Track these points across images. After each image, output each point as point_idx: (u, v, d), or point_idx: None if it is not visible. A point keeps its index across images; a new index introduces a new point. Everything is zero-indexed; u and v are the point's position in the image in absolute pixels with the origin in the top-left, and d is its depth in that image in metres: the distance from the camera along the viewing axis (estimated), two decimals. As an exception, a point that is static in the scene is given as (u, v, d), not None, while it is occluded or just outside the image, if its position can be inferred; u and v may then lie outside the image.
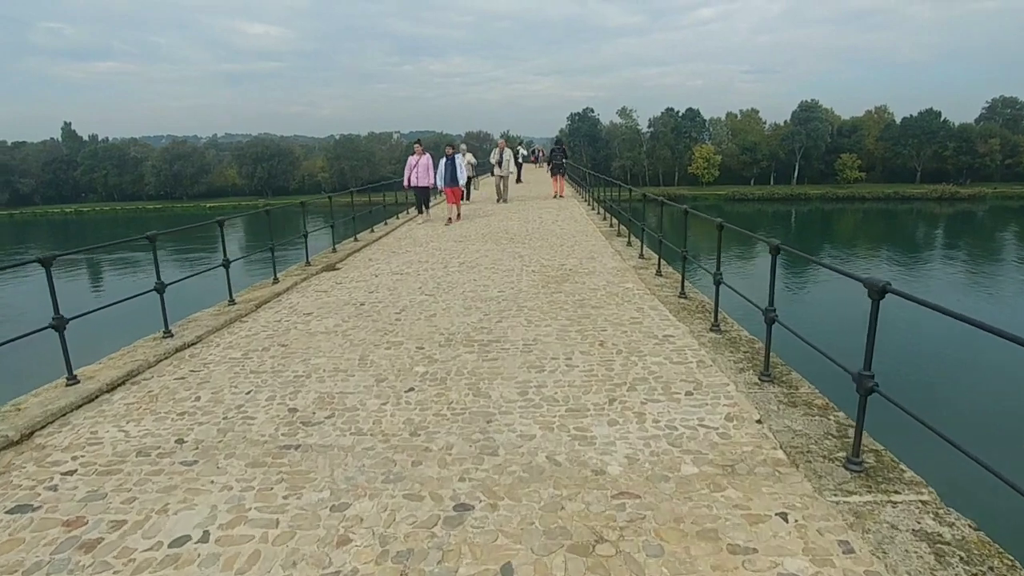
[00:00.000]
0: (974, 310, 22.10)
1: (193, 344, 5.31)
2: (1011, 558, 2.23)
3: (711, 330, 5.06)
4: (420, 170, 13.07)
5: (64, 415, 3.86)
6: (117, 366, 4.65)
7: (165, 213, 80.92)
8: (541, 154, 38.26)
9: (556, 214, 14.79)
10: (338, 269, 8.85)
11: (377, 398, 3.98)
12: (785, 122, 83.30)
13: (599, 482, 2.84)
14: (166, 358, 4.95)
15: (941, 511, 2.52)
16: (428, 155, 13.13)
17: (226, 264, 6.49)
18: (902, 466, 2.87)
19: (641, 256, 8.58)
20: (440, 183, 13.20)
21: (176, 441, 3.46)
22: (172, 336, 5.39)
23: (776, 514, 2.54)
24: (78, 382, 4.27)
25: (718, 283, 4.94)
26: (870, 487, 2.69)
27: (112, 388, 4.30)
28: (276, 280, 7.73)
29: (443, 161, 13.19)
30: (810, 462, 2.91)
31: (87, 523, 2.67)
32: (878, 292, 2.63)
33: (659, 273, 7.36)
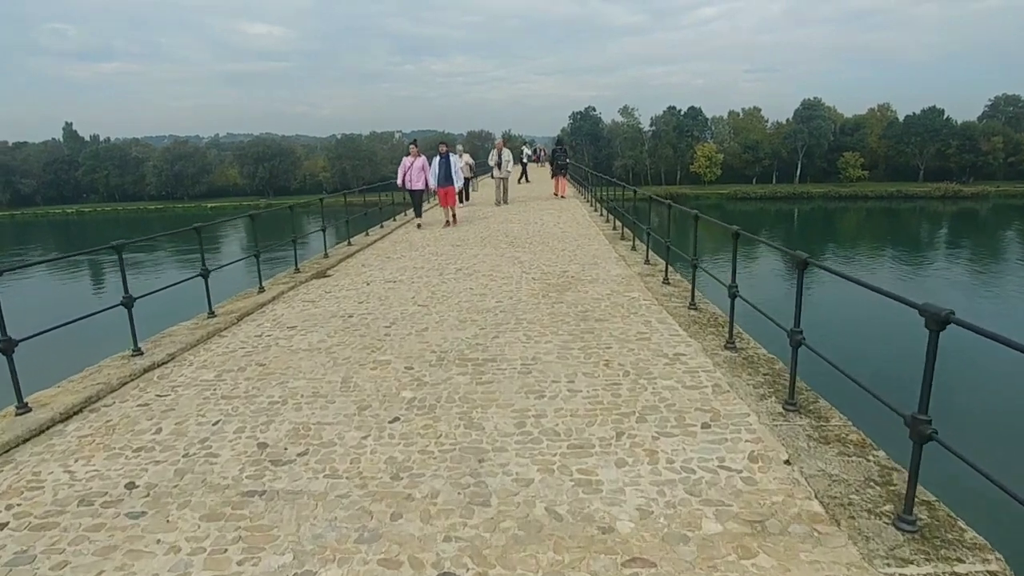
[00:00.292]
0: (977, 310, 21.85)
1: (164, 363, 4.90)
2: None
3: (726, 347, 4.64)
4: (414, 172, 12.56)
5: (7, 451, 3.45)
6: (76, 390, 4.25)
7: (166, 213, 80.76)
8: (543, 153, 37.86)
9: (558, 216, 14.37)
10: (329, 276, 8.44)
11: (358, 430, 3.57)
12: (787, 120, 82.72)
13: (607, 543, 2.43)
14: (132, 380, 4.54)
15: (1018, 587, 2.11)
16: (423, 157, 12.64)
17: (204, 274, 6.08)
18: (961, 523, 2.46)
19: (647, 262, 8.16)
20: (433, 183, 12.61)
21: (126, 485, 3.05)
22: (142, 354, 4.99)
23: (820, 590, 2.13)
24: (29, 411, 3.87)
25: (733, 296, 4.53)
26: (928, 553, 2.28)
27: (67, 417, 3.90)
28: (261, 289, 7.33)
29: (436, 160, 12.56)
30: (853, 518, 2.50)
31: (3, 598, 2.27)
32: (939, 323, 2.21)
33: (666, 281, 6.94)
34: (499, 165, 16.60)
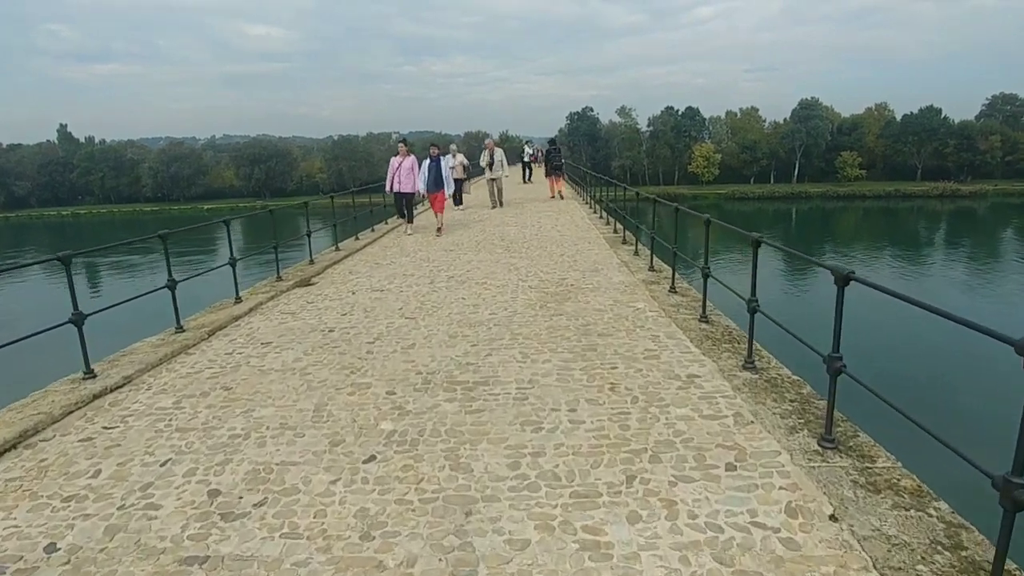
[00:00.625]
0: (978, 310, 21.55)
1: (118, 387, 4.40)
2: None
3: (744, 368, 4.17)
4: (403, 173, 11.63)
5: (-86, 502, 2.95)
6: (14, 421, 3.75)
7: (162, 215, 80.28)
8: (540, 153, 37.39)
9: (556, 218, 13.89)
10: (313, 284, 7.94)
11: (327, 472, 3.08)
12: (785, 120, 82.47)
13: (622, 637, 1.95)
14: (78, 408, 4.04)
15: None
16: (413, 157, 11.75)
17: (171, 285, 5.58)
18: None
19: (651, 268, 7.68)
20: (423, 187, 11.74)
21: (45, 548, 2.56)
22: (95, 377, 4.49)
23: None
24: (-48, 448, 3.37)
25: (753, 311, 4.05)
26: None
27: (-4, 455, 3.40)
28: (238, 299, 6.83)
29: (426, 162, 11.74)
30: (926, 600, 2.02)
31: None
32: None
33: (673, 289, 6.47)
34: (490, 166, 15.87)
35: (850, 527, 2.43)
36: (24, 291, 26.46)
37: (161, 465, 3.22)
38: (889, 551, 2.27)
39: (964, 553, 2.24)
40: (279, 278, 8.00)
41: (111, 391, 4.33)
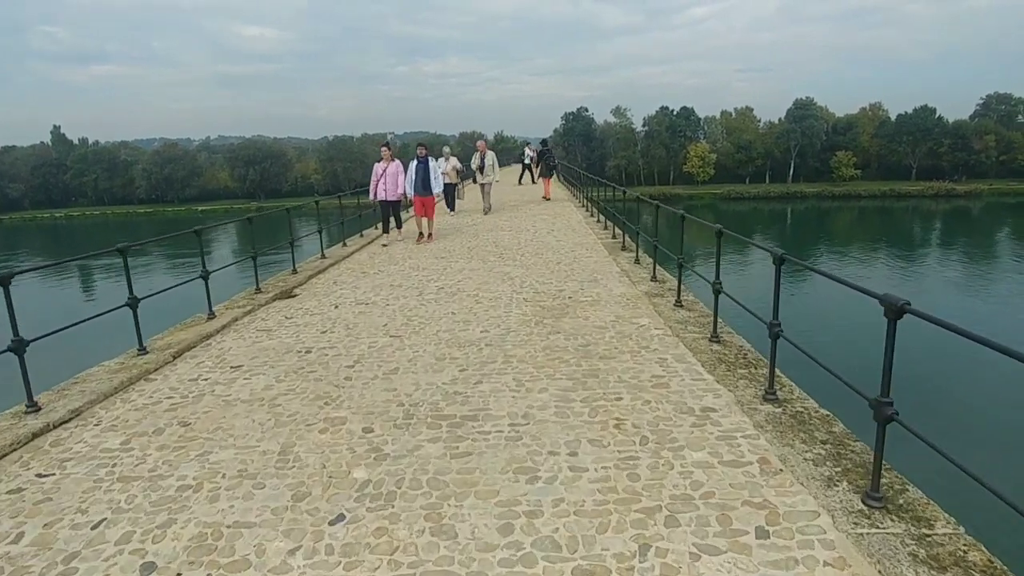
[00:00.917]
0: (977, 309, 21.22)
1: (63, 423, 3.92)
2: None
3: (765, 399, 3.72)
4: (388, 179, 10.72)
5: None
6: (-67, 469, 3.27)
7: (156, 217, 79.73)
8: (534, 155, 36.95)
9: (551, 222, 13.43)
10: (294, 296, 7.46)
11: (286, 538, 2.62)
12: (780, 120, 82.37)
13: None
14: (14, 450, 3.56)
15: None
16: (398, 162, 10.89)
17: (132, 303, 5.09)
18: None
19: (654, 278, 7.23)
20: (409, 190, 10.84)
21: (-70, 649, 2.09)
22: (38, 410, 4.01)
23: None
24: None
25: (776, 336, 3.61)
26: None
27: (-99, 515, 2.91)
28: (211, 315, 6.34)
29: (413, 164, 10.82)
30: None
31: None
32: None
33: (679, 303, 6.02)
34: (481, 169, 15.13)
35: (918, 623, 1.99)
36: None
37: (93, 528, 2.75)
38: (972, 660, 1.82)
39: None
40: (258, 290, 7.51)
41: (54, 427, 3.85)
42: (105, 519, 2.82)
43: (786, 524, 2.54)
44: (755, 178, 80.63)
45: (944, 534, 2.40)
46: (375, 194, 10.85)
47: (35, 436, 3.72)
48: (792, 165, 79.69)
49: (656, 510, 2.68)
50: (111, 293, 26.42)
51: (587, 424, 3.55)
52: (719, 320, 5.09)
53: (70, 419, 3.98)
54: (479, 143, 15.78)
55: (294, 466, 3.23)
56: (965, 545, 2.34)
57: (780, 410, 3.59)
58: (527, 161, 26.87)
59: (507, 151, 71.69)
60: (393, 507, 2.81)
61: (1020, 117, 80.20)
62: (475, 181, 15.83)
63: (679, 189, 76.53)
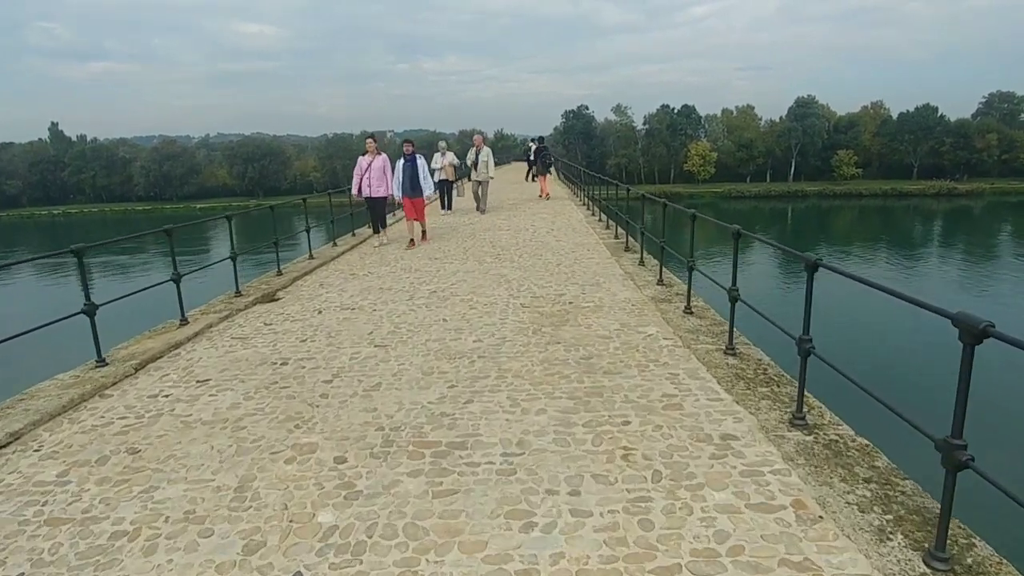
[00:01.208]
0: (979, 310, 20.68)
1: (0, 448, 3.47)
2: None
3: (793, 424, 3.27)
4: (373, 175, 9.87)
5: None
6: None
7: (154, 214, 79.43)
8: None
9: (551, 221, 12.98)
10: (277, 300, 7.01)
11: (229, 604, 2.17)
12: (781, 118, 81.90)
13: None
14: (-67, 484, 3.10)
15: None
16: (384, 156, 10.09)
17: (90, 309, 4.63)
18: None
19: (660, 282, 6.77)
20: (396, 192, 10.04)
21: None
22: (-29, 434, 3.55)
23: None
24: None
25: (807, 354, 3.16)
26: None
27: None
28: (184, 321, 5.88)
29: (400, 163, 9.96)
30: None
31: None
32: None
33: (689, 309, 5.57)
34: (475, 166, 14.13)
35: None
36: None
37: (0, 589, 2.30)
38: None
39: None
40: (238, 293, 7.05)
41: (-15, 455, 3.39)
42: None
43: (835, 592, 2.10)
44: (756, 177, 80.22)
45: (1033, 610, 1.96)
46: (359, 190, 10.07)
47: (-38, 466, 3.27)
48: (793, 164, 79.27)
49: (675, 571, 2.23)
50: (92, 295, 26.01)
51: (591, 454, 3.10)
52: (723, 323, 4.64)
53: (8, 444, 3.53)
54: (476, 138, 14.70)
55: (251, 506, 2.78)
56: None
57: (811, 438, 3.14)
58: (532, 158, 26.45)
59: (507, 149, 71.23)
60: (361, 563, 2.36)
61: (1022, 116, 79.72)
62: (470, 179, 14.94)
63: (680, 187, 76.08)
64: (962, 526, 2.38)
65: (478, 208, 14.56)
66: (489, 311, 5.97)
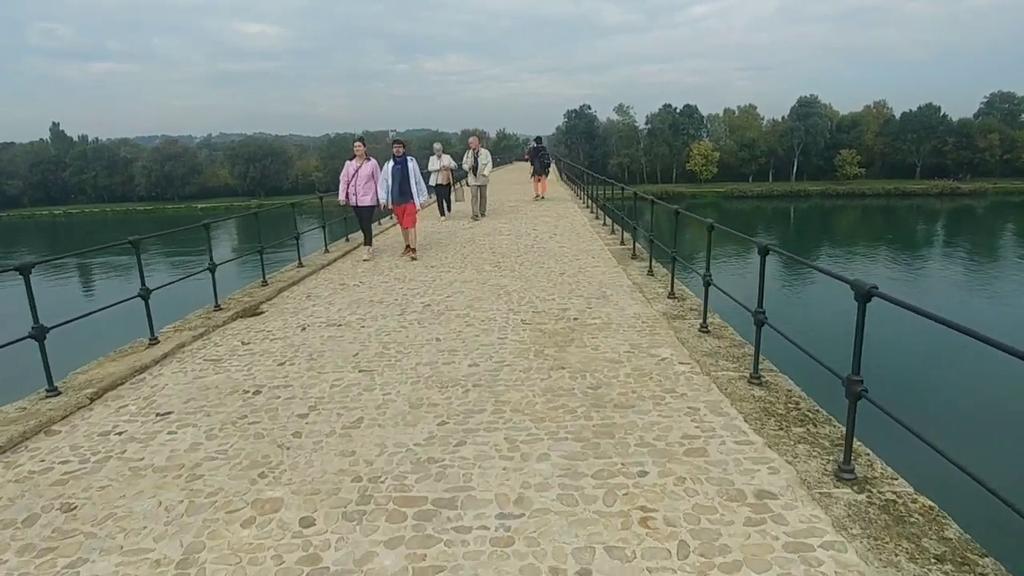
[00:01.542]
0: (980, 310, 20.21)
1: (-88, 504, 2.99)
2: None
3: (841, 478, 2.78)
4: (360, 182, 8.96)
5: None
6: None
7: (155, 215, 79.25)
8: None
9: (554, 225, 12.48)
10: (259, 314, 6.53)
11: None
12: (783, 118, 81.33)
13: None
14: None
15: None
16: (374, 161, 9.17)
17: (38, 333, 4.14)
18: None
19: (672, 295, 6.28)
20: (384, 197, 9.07)
21: None
22: None
23: None
24: None
25: (857, 397, 2.67)
26: None
27: None
28: (153, 340, 5.40)
29: (388, 166, 8.97)
30: None
31: None
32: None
33: (705, 327, 5.07)
34: (474, 170, 13.29)
35: None
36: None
37: None
38: None
39: None
40: (217, 307, 6.57)
41: None
42: None
43: None
44: (758, 176, 79.68)
45: None
46: (346, 196, 9.19)
47: None
48: (796, 163, 78.71)
49: None
50: (47, 314, 25.40)
51: (603, 517, 2.61)
52: (742, 337, 4.16)
53: (-74, 497, 3.05)
54: (472, 139, 13.73)
55: (193, 588, 2.30)
56: None
57: (864, 497, 2.65)
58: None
59: (509, 149, 70.73)
60: None
61: (1023, 116, 79.07)
62: (467, 184, 14.18)
63: (682, 187, 75.60)
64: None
65: (474, 215, 13.70)
66: (487, 328, 5.48)
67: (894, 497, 2.65)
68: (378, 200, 9.12)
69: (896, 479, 2.80)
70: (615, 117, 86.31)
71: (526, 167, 22.31)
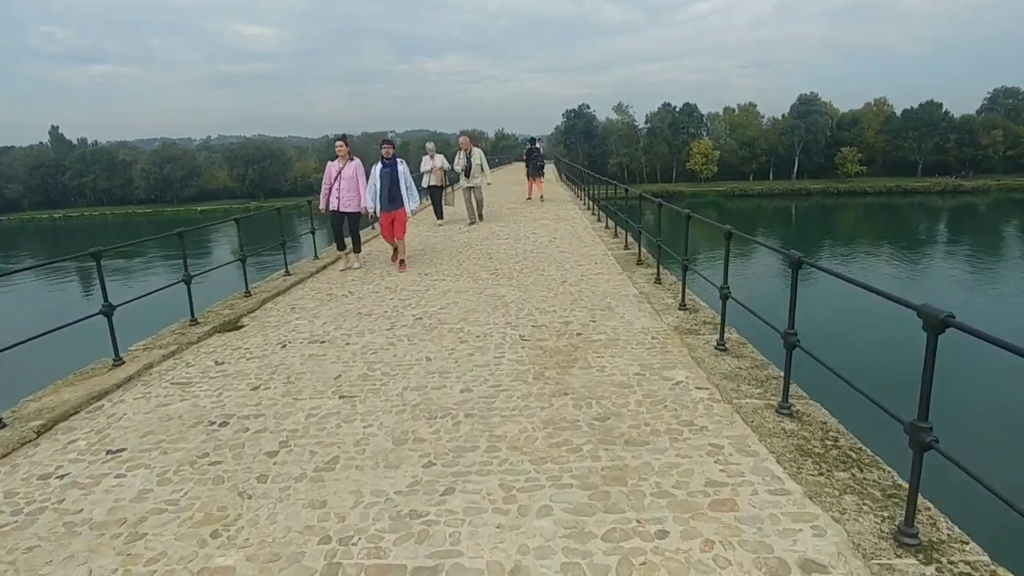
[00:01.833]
0: (981, 310, 19.69)
1: None
2: None
3: (902, 542, 2.32)
4: (344, 184, 8.22)
5: None
6: None
7: (155, 217, 78.87)
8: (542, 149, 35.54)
9: (553, 229, 12.02)
10: (239, 328, 6.07)
11: None
12: (783, 116, 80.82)
13: None
14: None
15: None
16: (357, 160, 8.36)
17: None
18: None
19: (682, 306, 5.81)
20: (371, 203, 8.33)
21: None
22: None
23: None
24: None
25: (926, 447, 2.21)
26: None
27: None
28: (118, 361, 4.94)
29: (376, 168, 8.18)
30: None
31: None
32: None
33: (722, 345, 4.61)
34: (466, 172, 12.48)
35: None
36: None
37: None
38: None
39: None
40: (194, 321, 6.12)
41: None
42: None
43: None
44: (759, 175, 79.21)
45: None
46: (326, 203, 8.39)
47: None
48: (796, 161, 78.22)
49: None
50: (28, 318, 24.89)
51: (618, 598, 2.15)
52: (759, 350, 3.69)
53: None
54: (462, 139, 12.71)
55: None
56: None
57: (933, 570, 2.19)
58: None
59: (508, 149, 70.23)
60: None
61: (1027, 112, 78.53)
62: (457, 187, 13.39)
63: (682, 186, 75.16)
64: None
65: (470, 219, 13.04)
66: (482, 346, 5.02)
67: (968, 570, 2.19)
68: (363, 206, 8.37)
69: (967, 544, 2.34)
70: (614, 116, 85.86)
71: (525, 167, 21.90)
